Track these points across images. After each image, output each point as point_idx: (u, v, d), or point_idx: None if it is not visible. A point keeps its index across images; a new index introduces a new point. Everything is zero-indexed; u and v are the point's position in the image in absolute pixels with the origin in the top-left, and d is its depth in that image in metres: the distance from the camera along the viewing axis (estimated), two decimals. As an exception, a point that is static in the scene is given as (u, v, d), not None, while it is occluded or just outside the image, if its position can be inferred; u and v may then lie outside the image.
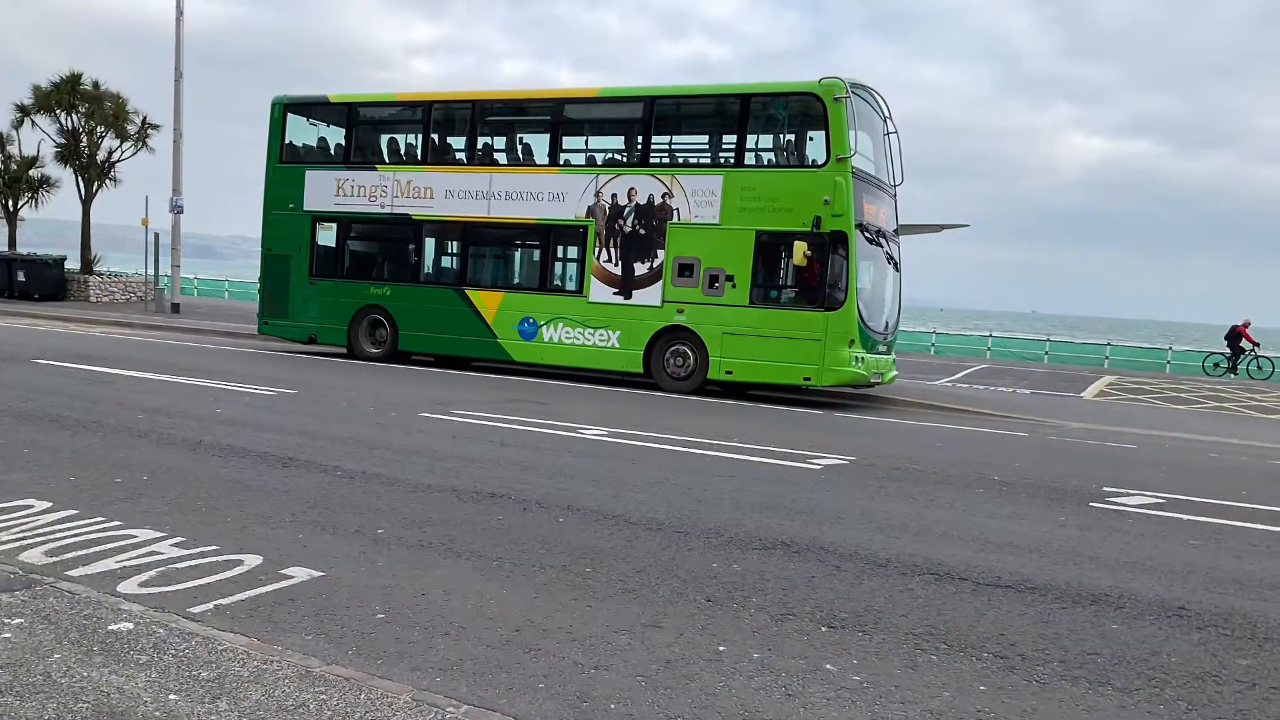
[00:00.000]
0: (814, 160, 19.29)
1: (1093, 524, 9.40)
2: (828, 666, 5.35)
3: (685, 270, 19.81)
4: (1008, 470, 12.40)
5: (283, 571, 6.47)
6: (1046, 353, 44.54)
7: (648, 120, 20.65)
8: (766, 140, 20.40)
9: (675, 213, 19.87)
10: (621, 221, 20.39)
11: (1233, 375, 37.42)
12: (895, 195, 21.24)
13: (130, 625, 5.26)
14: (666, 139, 21.40)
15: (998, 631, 6.05)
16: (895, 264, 20.93)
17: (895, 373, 21.38)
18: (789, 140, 20.29)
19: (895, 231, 21.06)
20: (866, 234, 19.16)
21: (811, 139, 19.74)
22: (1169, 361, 42.20)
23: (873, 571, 7.24)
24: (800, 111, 19.81)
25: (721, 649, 5.51)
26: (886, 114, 20.78)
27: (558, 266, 21.72)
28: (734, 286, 19.38)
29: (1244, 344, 37.70)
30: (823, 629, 5.94)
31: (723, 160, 20.28)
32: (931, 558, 7.71)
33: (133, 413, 12.78)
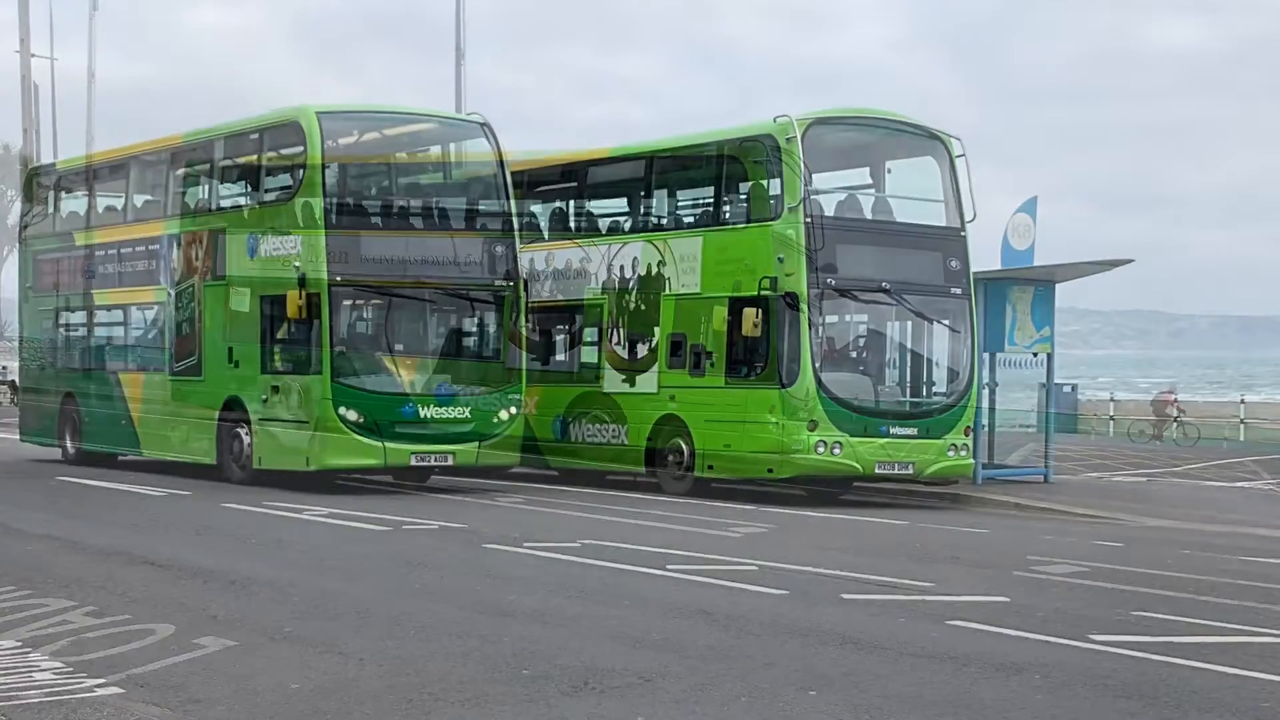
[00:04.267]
0: (760, 215, 16.91)
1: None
2: None
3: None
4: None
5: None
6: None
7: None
8: (705, 195, 18.45)
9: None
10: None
11: (1158, 443, 37.55)
12: (959, 234, 17.36)
13: (41, 695, 5.11)
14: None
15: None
16: (934, 320, 17.35)
17: (963, 459, 17.26)
18: (741, 193, 17.96)
19: (961, 276, 17.28)
20: (843, 289, 16.46)
21: (769, 187, 17.13)
22: (1093, 430, 42.13)
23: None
24: (752, 159, 17.35)
25: None
26: (952, 139, 17.57)
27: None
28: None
29: (1170, 411, 37.91)
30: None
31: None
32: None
33: None
